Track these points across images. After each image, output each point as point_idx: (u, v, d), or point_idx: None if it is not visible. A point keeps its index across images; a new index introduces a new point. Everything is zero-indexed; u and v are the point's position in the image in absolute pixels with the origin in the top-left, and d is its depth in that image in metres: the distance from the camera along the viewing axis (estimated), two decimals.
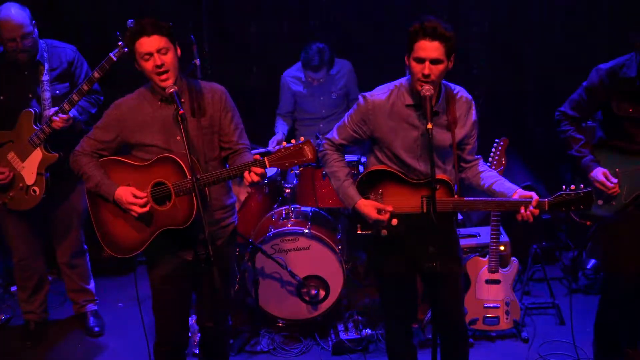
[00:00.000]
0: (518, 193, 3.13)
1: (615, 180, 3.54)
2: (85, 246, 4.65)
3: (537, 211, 3.09)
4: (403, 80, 3.25)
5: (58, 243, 4.56)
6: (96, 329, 4.68)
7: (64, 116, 4.01)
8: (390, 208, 3.21)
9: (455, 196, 3.20)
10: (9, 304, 5.04)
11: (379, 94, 3.25)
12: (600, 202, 3.62)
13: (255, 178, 3.10)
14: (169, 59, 3.17)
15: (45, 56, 4.14)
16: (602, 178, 3.53)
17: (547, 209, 3.11)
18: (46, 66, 4.13)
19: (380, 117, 3.23)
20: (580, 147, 3.63)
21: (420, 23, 3.03)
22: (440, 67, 3.05)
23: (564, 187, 3.14)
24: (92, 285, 4.74)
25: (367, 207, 3.24)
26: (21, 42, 3.96)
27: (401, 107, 3.21)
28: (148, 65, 3.16)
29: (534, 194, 3.09)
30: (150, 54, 3.15)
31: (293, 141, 3.07)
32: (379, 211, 3.22)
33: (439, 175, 3.19)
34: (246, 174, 3.10)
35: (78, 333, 4.70)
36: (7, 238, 4.48)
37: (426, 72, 3.03)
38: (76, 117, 4.13)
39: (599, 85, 3.57)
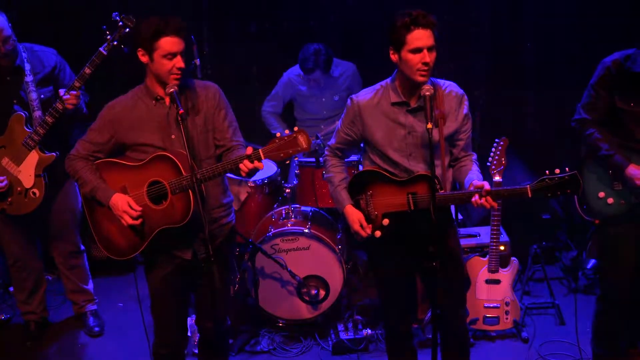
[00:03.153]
0: (473, 185, 3.11)
1: None
2: (83, 246, 4.64)
3: (495, 204, 3.06)
4: (388, 80, 3.27)
5: (54, 244, 4.55)
6: (96, 329, 4.67)
7: (75, 92, 3.93)
8: (369, 230, 3.26)
9: (441, 192, 3.18)
10: (9, 304, 5.03)
11: (365, 94, 3.29)
12: (610, 200, 3.60)
13: (250, 166, 3.05)
14: (183, 63, 3.17)
15: (25, 59, 4.07)
16: None
17: (530, 196, 3.05)
18: (27, 68, 4.06)
19: (366, 117, 3.25)
20: (609, 146, 3.53)
21: (407, 15, 3.04)
22: (435, 53, 3.08)
23: (547, 172, 3.05)
24: (90, 285, 4.73)
25: (352, 216, 3.30)
26: (3, 47, 3.91)
27: (387, 105, 3.23)
28: (168, 64, 3.13)
29: (486, 184, 3.07)
30: (175, 54, 3.13)
31: (287, 132, 3.04)
32: (362, 225, 3.26)
33: (423, 172, 3.20)
34: (241, 165, 3.06)
35: (78, 333, 4.70)
36: (1, 241, 4.47)
37: (427, 59, 3.04)
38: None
39: (607, 76, 3.52)
